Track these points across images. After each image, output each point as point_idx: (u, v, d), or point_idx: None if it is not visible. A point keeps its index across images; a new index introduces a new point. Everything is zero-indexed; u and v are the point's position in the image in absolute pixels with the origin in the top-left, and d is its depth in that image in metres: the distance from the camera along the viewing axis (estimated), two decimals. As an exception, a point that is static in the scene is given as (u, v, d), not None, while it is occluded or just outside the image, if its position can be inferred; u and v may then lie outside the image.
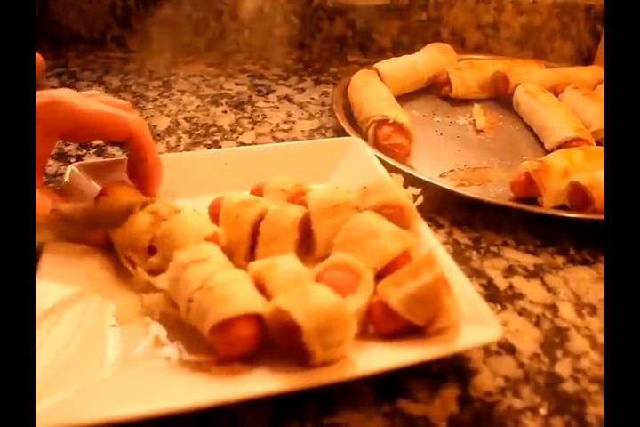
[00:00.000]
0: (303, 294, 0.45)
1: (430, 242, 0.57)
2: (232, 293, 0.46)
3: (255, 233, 0.57)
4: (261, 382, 0.44)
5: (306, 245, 0.59)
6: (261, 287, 0.49)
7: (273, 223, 0.56)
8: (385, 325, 0.49)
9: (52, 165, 0.79)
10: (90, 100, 0.58)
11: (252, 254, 0.57)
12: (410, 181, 0.63)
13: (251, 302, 0.47)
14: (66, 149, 0.84)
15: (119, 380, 0.46)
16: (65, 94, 0.56)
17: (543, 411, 0.47)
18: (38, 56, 0.98)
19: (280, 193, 0.61)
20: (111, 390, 0.44)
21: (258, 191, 0.63)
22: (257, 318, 0.46)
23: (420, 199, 0.60)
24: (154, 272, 0.54)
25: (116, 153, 0.83)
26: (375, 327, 0.49)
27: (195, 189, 0.66)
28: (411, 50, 1.12)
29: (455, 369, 0.50)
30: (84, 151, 0.83)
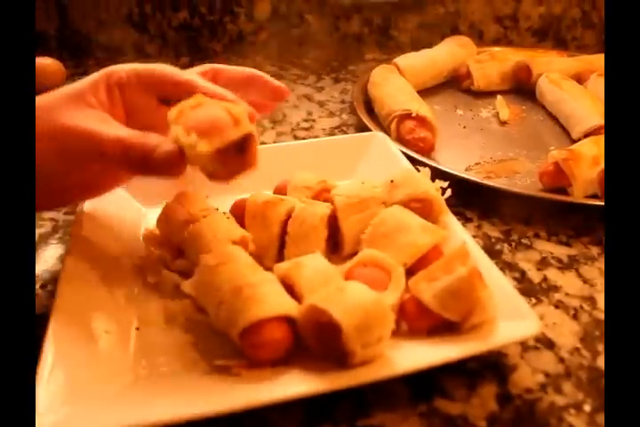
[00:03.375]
0: (338, 292, 0.44)
1: (461, 235, 0.55)
2: (262, 295, 0.45)
3: (283, 233, 0.56)
4: (295, 385, 0.43)
5: (332, 242, 0.58)
6: (290, 289, 0.48)
7: (301, 222, 0.55)
8: (418, 321, 0.48)
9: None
10: None
11: (280, 255, 0.56)
12: (435, 174, 0.62)
13: (282, 303, 0.46)
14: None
15: (146, 385, 0.45)
16: None
17: (587, 408, 0.46)
18: (59, 64, 0.99)
19: (304, 190, 0.60)
20: (139, 395, 0.44)
21: (281, 190, 0.62)
22: (288, 321, 0.45)
23: (449, 192, 0.59)
24: (181, 275, 0.53)
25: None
26: (408, 324, 0.48)
27: (216, 188, 0.65)
28: (429, 45, 1.11)
29: (492, 366, 0.49)
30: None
